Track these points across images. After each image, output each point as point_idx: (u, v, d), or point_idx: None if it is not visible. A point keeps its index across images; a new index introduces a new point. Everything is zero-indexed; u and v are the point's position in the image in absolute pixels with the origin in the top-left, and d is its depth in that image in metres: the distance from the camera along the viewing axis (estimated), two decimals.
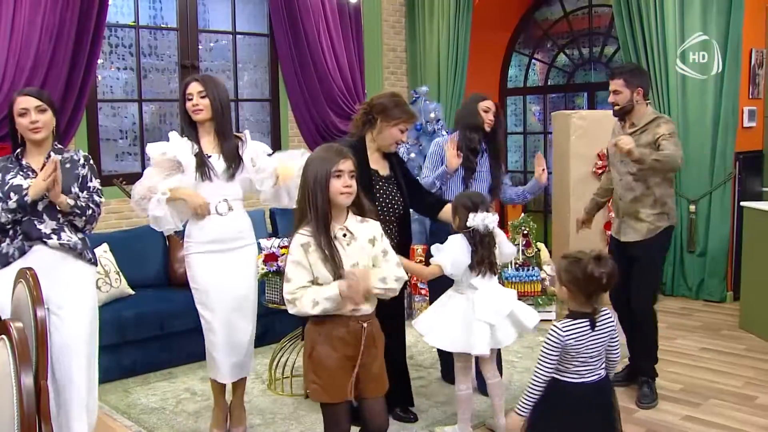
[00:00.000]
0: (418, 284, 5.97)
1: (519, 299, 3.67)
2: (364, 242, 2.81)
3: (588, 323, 2.77)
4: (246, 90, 7.13)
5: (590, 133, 6.23)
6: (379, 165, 3.84)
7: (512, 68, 8.79)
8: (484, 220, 3.48)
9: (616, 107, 4.23)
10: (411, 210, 4.03)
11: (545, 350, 2.75)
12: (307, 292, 2.68)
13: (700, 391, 4.42)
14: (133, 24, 6.19)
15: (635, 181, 4.17)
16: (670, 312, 5.97)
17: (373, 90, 7.65)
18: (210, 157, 3.65)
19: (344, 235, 2.76)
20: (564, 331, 2.73)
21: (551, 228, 7.14)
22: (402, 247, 3.83)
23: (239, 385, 3.87)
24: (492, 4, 7.99)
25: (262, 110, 7.24)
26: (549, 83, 8.48)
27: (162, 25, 6.45)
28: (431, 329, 3.63)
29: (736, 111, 6.20)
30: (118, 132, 6.22)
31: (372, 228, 2.86)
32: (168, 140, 3.68)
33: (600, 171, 6.25)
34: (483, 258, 3.52)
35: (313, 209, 2.70)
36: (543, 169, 4.42)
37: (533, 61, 8.63)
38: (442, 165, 4.38)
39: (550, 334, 2.75)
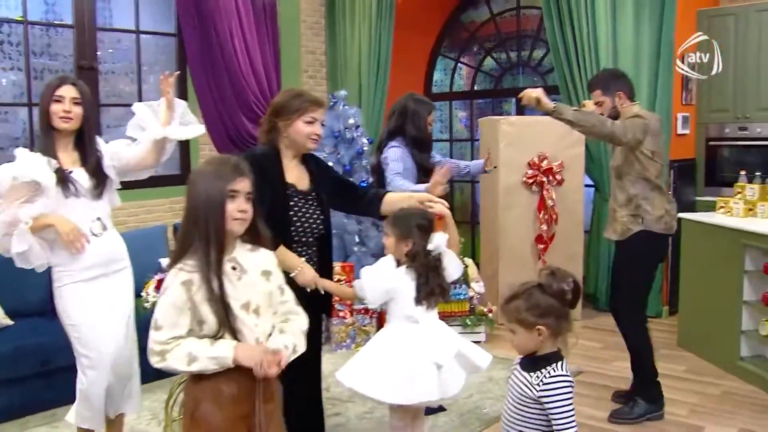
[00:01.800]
0: (336, 305, 5.46)
1: (445, 320, 3.26)
2: (256, 276, 2.31)
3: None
4: (151, 94, 6.52)
5: (520, 140, 5.86)
6: (296, 178, 3.26)
7: (437, 72, 8.40)
8: (440, 240, 3.02)
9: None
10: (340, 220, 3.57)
11: (566, 407, 2.24)
12: (182, 345, 2.15)
13: (641, 422, 4.05)
14: (20, 19, 5.52)
15: (615, 178, 4.08)
16: (606, 330, 5.63)
17: None
18: (71, 172, 3.13)
19: (233, 268, 2.26)
20: (569, 377, 2.29)
21: (479, 241, 6.73)
22: (323, 271, 3.31)
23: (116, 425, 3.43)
24: (416, 5, 7.58)
25: None
26: (476, 88, 8.11)
27: (56, 22, 5.81)
28: (362, 376, 3.02)
29: (670, 118, 5.92)
30: (7, 140, 5.56)
31: (265, 258, 2.38)
32: (16, 159, 3.11)
33: (531, 180, 5.88)
34: (434, 289, 3.02)
35: (204, 237, 2.18)
36: (494, 167, 4.39)
37: (459, 65, 8.26)
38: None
39: (561, 383, 2.26)
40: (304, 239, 3.21)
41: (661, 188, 4.01)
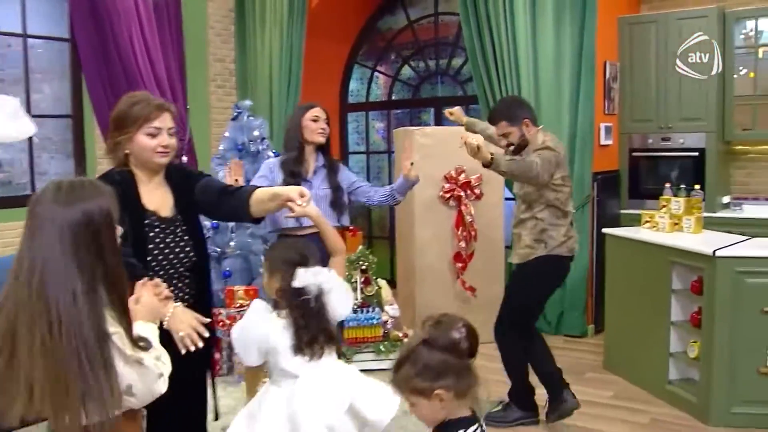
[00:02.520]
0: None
1: (357, 347, 2.81)
2: None
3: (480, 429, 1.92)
4: (44, 104, 5.96)
5: (436, 152, 5.49)
6: (158, 202, 2.72)
7: (353, 81, 8.01)
8: (317, 276, 2.51)
9: (512, 148, 3.96)
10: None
11: None
12: None
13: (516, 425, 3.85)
14: None
15: (523, 203, 3.99)
16: None
17: (197, 105, 6.68)
18: None
19: None
20: None
21: (397, 259, 6.33)
22: (201, 303, 2.76)
23: None
24: (331, 12, 7.18)
25: (66, 128, 6.13)
26: (393, 98, 7.73)
27: None
28: None
29: (592, 128, 5.64)
30: None
31: None
32: None
33: (447, 195, 5.51)
34: (316, 335, 2.53)
35: None
36: (411, 164, 3.83)
37: (376, 74, 7.87)
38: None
39: None
40: (171, 272, 2.69)
41: (568, 214, 3.99)
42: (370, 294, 5.30)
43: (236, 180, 4.51)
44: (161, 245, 2.66)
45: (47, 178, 5.90)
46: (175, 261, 2.69)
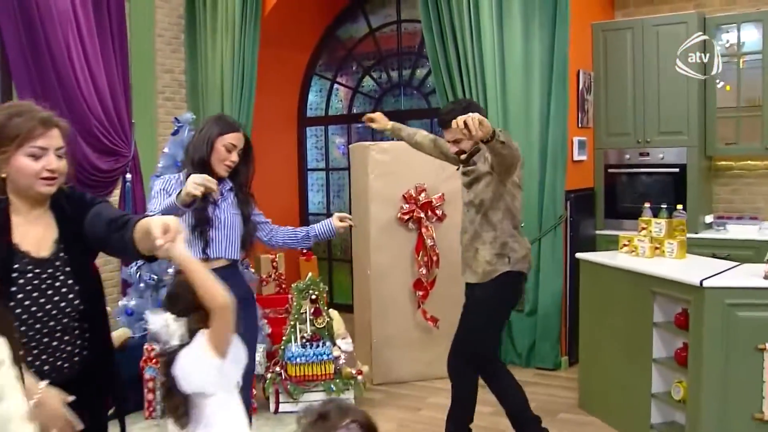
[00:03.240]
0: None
1: (306, 386, 2.27)
2: None
3: None
4: None
5: (394, 170, 5.02)
6: (34, 240, 2.16)
7: (312, 94, 7.50)
8: (165, 326, 1.98)
9: (464, 156, 3.65)
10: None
11: None
12: None
13: None
14: None
15: (477, 214, 3.65)
16: None
17: (144, 119, 6.15)
18: None
19: None
20: None
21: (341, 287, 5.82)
22: (98, 363, 2.24)
23: None
24: (287, 18, 6.68)
25: None
26: (354, 111, 7.23)
27: None
28: None
29: (565, 142, 5.19)
30: None
31: None
32: None
33: (407, 216, 5.01)
34: (177, 403, 2.00)
35: None
36: (348, 219, 3.53)
37: (336, 85, 7.37)
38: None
39: None
40: (51, 326, 2.12)
41: (519, 224, 3.76)
42: (321, 326, 4.78)
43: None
44: (34, 294, 2.09)
45: None
46: (54, 312, 2.11)
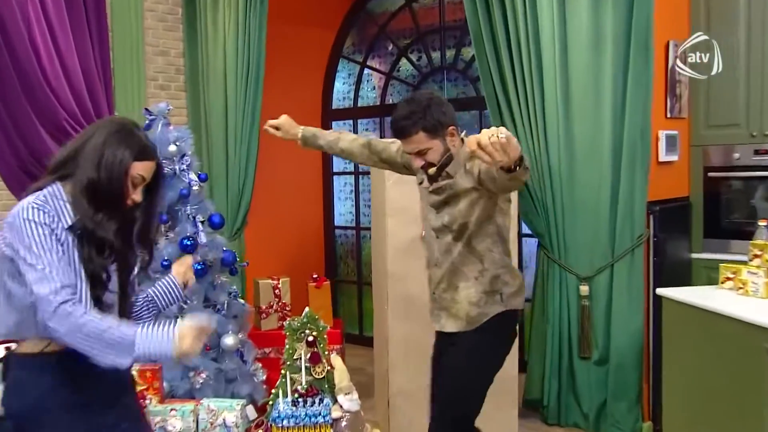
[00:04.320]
0: None
1: None
2: None
3: None
4: None
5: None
6: None
7: (339, 80, 6.62)
8: None
9: (432, 170, 2.96)
10: None
11: None
12: None
13: None
14: None
15: (456, 242, 3.00)
16: None
17: (129, 112, 5.36)
18: None
19: None
20: None
21: (369, 322, 4.91)
22: None
23: None
24: None
25: None
26: (389, 101, 6.31)
27: None
28: None
29: (648, 137, 4.17)
30: None
31: None
32: None
33: None
34: None
35: None
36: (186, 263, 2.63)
37: (366, 70, 6.48)
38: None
39: None
40: None
41: (507, 245, 3.14)
42: (319, 377, 3.86)
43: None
44: None
45: None
46: None
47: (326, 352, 3.96)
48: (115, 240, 2.11)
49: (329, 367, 3.89)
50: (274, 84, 5.73)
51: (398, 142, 3.09)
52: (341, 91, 6.65)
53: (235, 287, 4.51)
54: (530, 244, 5.11)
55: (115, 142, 2.11)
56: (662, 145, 4.37)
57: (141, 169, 2.16)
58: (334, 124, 6.59)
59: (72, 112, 4.91)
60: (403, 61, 6.23)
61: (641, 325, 4.24)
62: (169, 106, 4.55)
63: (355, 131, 6.52)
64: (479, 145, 2.24)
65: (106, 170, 2.08)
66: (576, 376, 4.38)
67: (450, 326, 3.08)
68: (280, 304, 4.98)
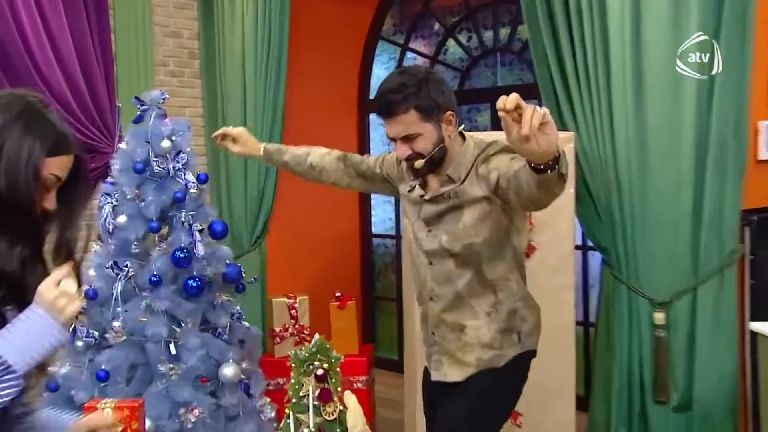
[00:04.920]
0: None
1: None
2: None
3: None
4: None
5: None
6: None
7: (378, 65, 6.02)
8: None
9: (419, 163, 2.48)
10: None
11: None
12: None
13: None
14: None
15: (460, 268, 2.51)
16: None
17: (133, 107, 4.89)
18: None
19: None
20: None
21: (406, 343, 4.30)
22: None
23: None
24: None
25: None
26: None
27: None
28: None
29: (743, 129, 3.46)
30: None
31: None
32: None
33: None
34: None
35: None
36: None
37: (408, 53, 5.88)
38: None
39: None
40: None
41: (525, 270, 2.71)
42: (330, 419, 3.27)
43: None
44: None
45: None
46: None
47: (339, 389, 3.39)
48: (20, 271, 1.59)
49: (342, 407, 3.32)
50: (300, 69, 5.19)
51: (380, 156, 2.80)
52: (381, 77, 6.06)
53: (238, 308, 3.95)
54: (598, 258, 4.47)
55: (18, 131, 1.55)
56: (763, 139, 3.63)
57: (56, 166, 1.61)
58: (373, 117, 6.01)
59: (64, 102, 4.57)
60: (451, 42, 5.60)
61: (734, 364, 3.53)
62: (165, 94, 4.01)
63: None
64: (516, 107, 1.74)
65: (7, 173, 1.53)
66: (650, 423, 3.68)
67: (455, 374, 2.59)
68: (297, 326, 4.41)
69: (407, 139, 2.42)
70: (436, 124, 2.43)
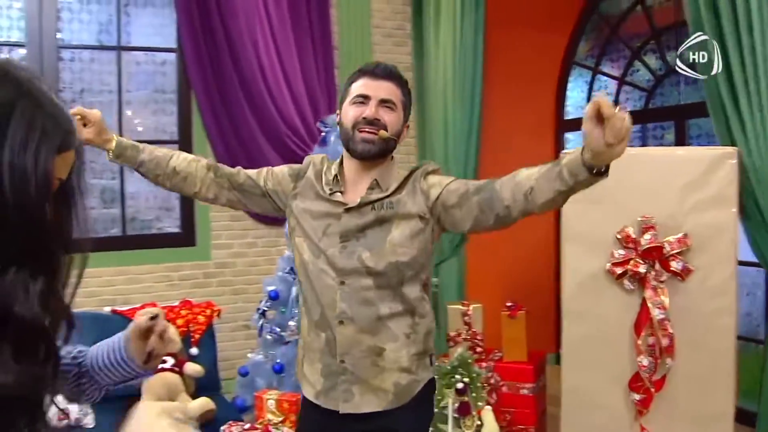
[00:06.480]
0: None
1: None
2: None
3: None
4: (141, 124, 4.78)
5: (603, 191, 3.06)
6: None
7: (572, 88, 5.59)
8: None
9: (384, 134, 2.06)
10: None
11: None
12: None
13: None
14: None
15: (382, 289, 2.06)
16: None
17: None
18: None
19: None
20: None
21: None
22: None
23: None
24: None
25: None
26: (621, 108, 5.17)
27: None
28: None
29: None
30: None
31: None
32: None
33: (621, 270, 3.07)
34: None
35: None
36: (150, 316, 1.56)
37: (600, 76, 5.40)
38: None
39: None
40: None
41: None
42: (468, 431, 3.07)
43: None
44: None
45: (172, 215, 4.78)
46: None
47: (480, 404, 3.14)
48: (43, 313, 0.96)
49: (479, 422, 3.08)
50: (500, 90, 4.98)
51: (264, 170, 2.25)
52: (575, 99, 5.63)
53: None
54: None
55: (22, 124, 0.92)
56: None
57: (63, 165, 0.99)
58: (568, 136, 5.61)
59: (293, 127, 4.66)
60: (637, 64, 5.07)
61: None
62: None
63: None
64: (601, 108, 1.54)
65: (13, 187, 0.90)
66: None
67: (368, 404, 2.08)
68: (470, 333, 4.17)
69: (384, 104, 2.08)
70: (404, 115, 2.15)
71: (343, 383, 2.08)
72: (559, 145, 5.59)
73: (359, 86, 2.09)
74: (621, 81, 5.19)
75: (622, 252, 3.07)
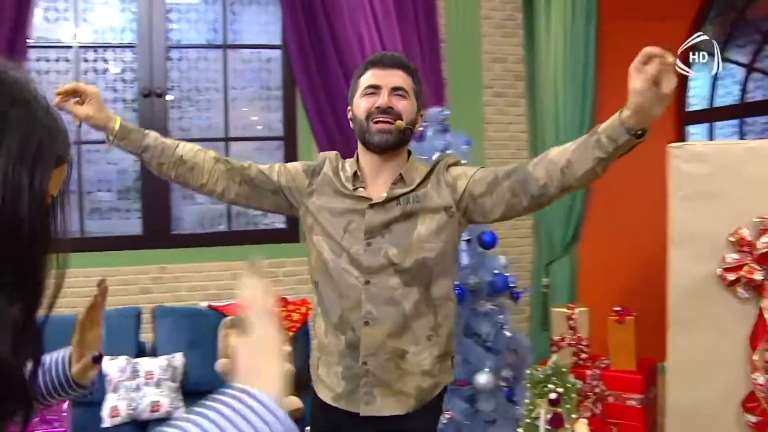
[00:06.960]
0: None
1: None
2: None
3: None
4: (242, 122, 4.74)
5: (715, 189, 2.73)
6: None
7: (694, 78, 5.03)
8: None
9: (400, 124, 1.94)
10: None
11: None
12: None
13: None
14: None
15: (409, 287, 1.92)
16: None
17: (462, 120, 4.63)
18: None
19: None
20: None
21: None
22: None
23: None
24: None
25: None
26: (749, 97, 4.59)
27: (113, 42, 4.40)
28: None
29: None
30: None
31: None
32: None
33: (735, 276, 2.63)
34: None
35: None
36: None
37: (724, 64, 4.81)
38: None
39: None
40: None
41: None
42: None
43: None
44: None
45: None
46: None
47: (573, 415, 2.78)
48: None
49: None
50: (613, 87, 4.48)
51: (276, 165, 2.12)
52: (700, 89, 5.06)
53: (502, 316, 3.47)
54: None
55: (16, 138, 0.78)
56: None
57: (57, 180, 0.86)
58: (692, 129, 5.05)
59: None
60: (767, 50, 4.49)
61: None
62: (446, 110, 3.70)
63: (712, 139, 4.89)
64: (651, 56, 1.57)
65: (6, 203, 0.76)
66: None
67: (390, 408, 1.95)
68: (576, 337, 3.78)
69: (396, 92, 1.96)
70: (416, 105, 2.03)
71: (365, 386, 1.95)
72: (680, 139, 5.04)
73: (369, 77, 1.99)
74: (749, 68, 4.60)
75: (735, 256, 2.63)
